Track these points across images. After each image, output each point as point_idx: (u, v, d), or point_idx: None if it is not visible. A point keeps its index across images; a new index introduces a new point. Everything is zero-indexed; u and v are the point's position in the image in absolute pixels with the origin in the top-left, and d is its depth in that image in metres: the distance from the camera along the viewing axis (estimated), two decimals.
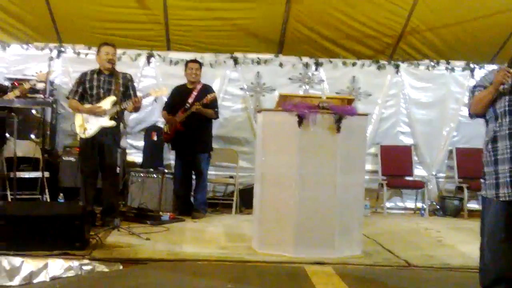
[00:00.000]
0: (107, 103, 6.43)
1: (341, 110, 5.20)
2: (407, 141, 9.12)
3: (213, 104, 7.50)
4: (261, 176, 5.47)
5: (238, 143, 8.73)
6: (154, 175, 7.66)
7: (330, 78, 8.84)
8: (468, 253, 5.73)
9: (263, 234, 5.41)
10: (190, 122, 7.38)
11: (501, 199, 3.89)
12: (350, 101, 5.52)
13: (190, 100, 7.44)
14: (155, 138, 8.49)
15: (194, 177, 7.73)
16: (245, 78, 8.73)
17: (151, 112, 8.56)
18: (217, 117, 7.70)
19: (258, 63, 8.69)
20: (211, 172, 8.26)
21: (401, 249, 5.90)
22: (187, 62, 7.76)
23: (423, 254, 5.73)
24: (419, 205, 8.99)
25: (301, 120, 5.14)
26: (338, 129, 5.19)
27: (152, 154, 8.54)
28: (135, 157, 8.68)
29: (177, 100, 7.61)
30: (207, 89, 7.61)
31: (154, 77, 8.67)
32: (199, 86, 7.58)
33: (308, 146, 5.23)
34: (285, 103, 5.29)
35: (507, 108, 3.87)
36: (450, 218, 8.58)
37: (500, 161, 3.86)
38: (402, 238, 6.70)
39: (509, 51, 3.87)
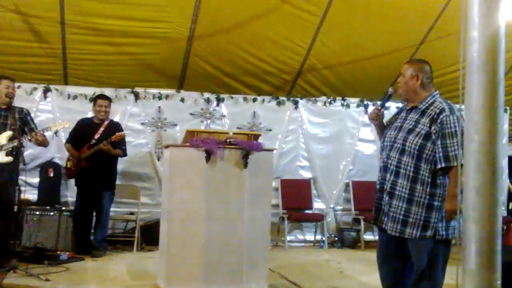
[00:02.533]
0: (2, 138, 6.16)
1: (248, 145, 5.28)
2: (306, 175, 9.34)
3: (121, 142, 7.39)
4: (167, 212, 5.42)
5: (139, 178, 8.57)
6: (51, 213, 7.39)
7: (231, 114, 8.93)
8: (368, 283, 5.96)
9: (170, 271, 5.33)
10: (95, 158, 7.23)
11: (374, 224, 4.21)
12: (256, 137, 5.62)
13: (97, 136, 7.31)
14: (51, 174, 8.20)
15: (94, 214, 7.54)
16: (146, 113, 8.63)
17: (47, 147, 8.25)
18: (125, 155, 7.64)
19: (160, 98, 8.64)
20: (111, 209, 8.07)
21: (305, 281, 6.03)
22: (96, 98, 7.62)
23: (327, 286, 5.90)
24: (319, 237, 9.16)
25: (208, 155, 5.17)
26: (245, 165, 5.27)
27: (49, 191, 8.23)
28: (30, 194, 8.29)
29: (82, 134, 7.44)
30: (115, 126, 7.52)
31: (51, 111, 8.37)
32: (106, 122, 7.47)
33: (216, 181, 5.27)
34: (192, 138, 5.30)
35: (383, 144, 4.13)
36: (348, 249, 8.82)
37: (376, 191, 4.11)
38: (305, 270, 6.85)
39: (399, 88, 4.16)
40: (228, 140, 5.27)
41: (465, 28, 2.17)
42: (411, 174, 3.84)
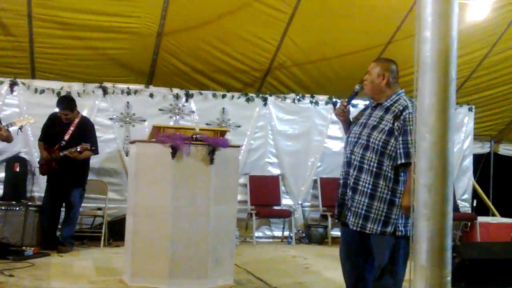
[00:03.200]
0: None
1: (214, 142, 5.29)
2: (275, 171, 9.37)
3: (91, 142, 7.25)
4: (133, 208, 5.41)
5: (107, 174, 8.51)
6: (17, 208, 7.32)
7: (200, 110, 8.91)
8: (333, 278, 6.02)
9: (135, 266, 5.33)
10: (66, 159, 7.13)
11: (337, 219, 4.26)
12: (223, 133, 5.64)
13: (67, 137, 7.22)
14: (17, 169, 8.12)
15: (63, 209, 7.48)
16: (114, 108, 8.56)
17: (14, 142, 8.12)
18: (96, 153, 7.58)
19: (128, 93, 8.57)
20: None
21: (271, 277, 6.07)
22: (56, 105, 7.46)
23: (292, 281, 5.94)
24: (286, 233, 9.22)
25: (174, 151, 5.17)
26: (212, 161, 5.28)
27: (15, 186, 8.14)
28: None
29: (53, 131, 7.36)
30: (85, 125, 7.45)
31: (18, 105, 8.24)
32: (76, 120, 7.38)
33: (182, 177, 5.27)
34: (158, 134, 5.30)
35: (347, 139, 4.15)
36: (315, 245, 8.89)
37: (339, 186, 4.15)
38: (272, 266, 6.89)
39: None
40: (194, 136, 5.28)
41: (419, 29, 2.22)
42: (374, 169, 3.87)
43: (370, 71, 4.09)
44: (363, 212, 3.89)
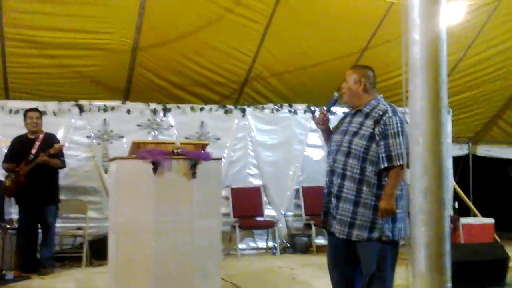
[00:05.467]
0: None
1: (196, 155, 5.22)
2: (256, 182, 9.31)
3: (59, 153, 7.22)
4: (115, 225, 5.30)
5: (86, 192, 8.36)
6: None
7: (178, 124, 8.82)
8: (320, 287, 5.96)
9: (120, 285, 5.21)
10: (35, 173, 7.02)
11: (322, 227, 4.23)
12: (204, 146, 5.57)
13: (34, 151, 7.10)
14: None
15: (40, 231, 7.33)
16: (91, 126, 8.43)
17: None
18: (64, 166, 7.44)
19: (105, 110, 8.45)
20: (58, 225, 7.85)
21: None
22: (26, 112, 7.41)
23: None
24: (271, 244, 9.16)
25: (156, 167, 5.07)
26: (194, 175, 5.20)
27: None
28: None
29: (18, 151, 7.23)
30: (51, 138, 7.33)
31: None
32: (41, 136, 7.28)
33: (164, 193, 5.17)
34: (138, 150, 5.21)
35: (329, 148, 4.15)
36: (300, 254, 8.83)
37: (324, 195, 4.11)
38: (259, 278, 6.83)
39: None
40: (175, 151, 5.20)
41: (407, 31, 2.18)
42: (357, 176, 3.86)
43: (347, 78, 4.13)
44: (348, 219, 3.87)
